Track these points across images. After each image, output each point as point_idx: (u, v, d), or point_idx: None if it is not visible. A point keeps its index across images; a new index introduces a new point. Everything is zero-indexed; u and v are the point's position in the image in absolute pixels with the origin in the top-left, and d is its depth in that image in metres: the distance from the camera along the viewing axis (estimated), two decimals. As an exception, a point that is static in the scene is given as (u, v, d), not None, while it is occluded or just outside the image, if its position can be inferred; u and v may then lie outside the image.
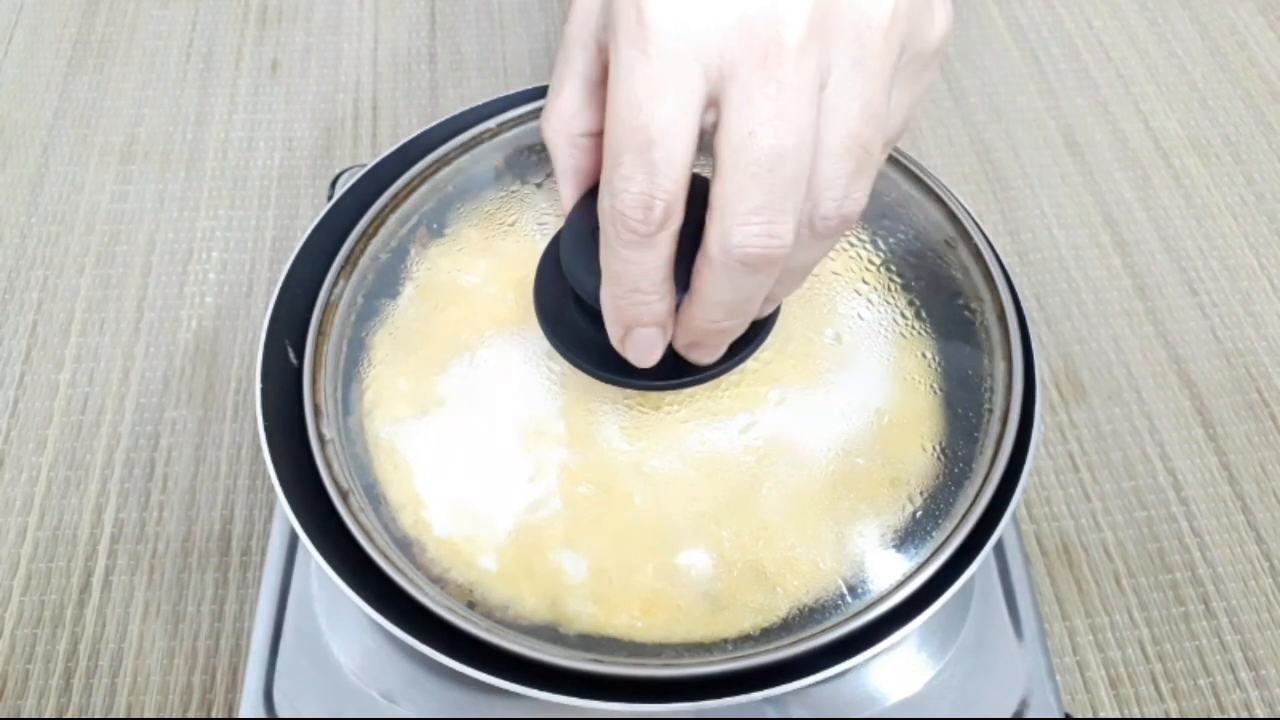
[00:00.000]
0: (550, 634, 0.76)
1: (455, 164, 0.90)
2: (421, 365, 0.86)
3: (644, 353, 0.60)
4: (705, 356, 0.63)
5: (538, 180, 0.96)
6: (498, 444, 0.83)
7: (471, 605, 0.77)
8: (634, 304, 0.55)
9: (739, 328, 0.59)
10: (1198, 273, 1.15)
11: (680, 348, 0.61)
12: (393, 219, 0.88)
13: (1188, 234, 1.18)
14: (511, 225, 0.94)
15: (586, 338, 0.67)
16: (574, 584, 0.77)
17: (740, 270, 0.51)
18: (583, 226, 0.59)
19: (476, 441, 0.83)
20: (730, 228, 0.49)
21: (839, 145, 0.50)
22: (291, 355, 0.82)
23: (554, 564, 0.77)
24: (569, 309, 0.68)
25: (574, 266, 0.60)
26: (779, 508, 0.80)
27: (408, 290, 0.91)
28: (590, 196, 0.60)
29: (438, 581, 0.78)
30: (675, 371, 0.66)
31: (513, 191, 0.95)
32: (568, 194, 0.62)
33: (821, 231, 0.52)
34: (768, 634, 0.76)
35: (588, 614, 0.76)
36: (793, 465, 0.82)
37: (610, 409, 0.84)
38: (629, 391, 0.84)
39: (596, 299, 0.58)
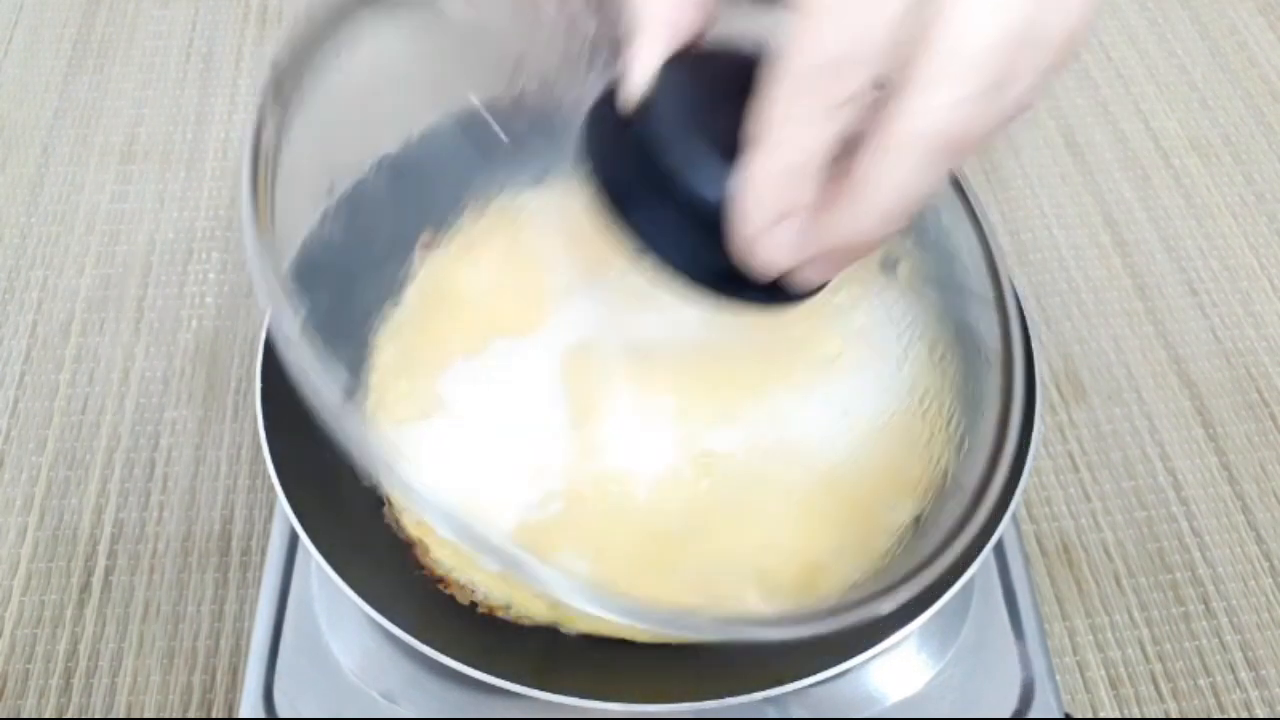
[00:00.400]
0: (551, 634, 0.77)
1: None
2: (424, 367, 0.86)
3: (780, 254, 0.50)
4: (822, 274, 0.53)
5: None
6: (499, 445, 0.83)
7: (473, 605, 0.77)
8: (790, 188, 0.47)
9: (888, 238, 0.50)
10: (1198, 273, 1.15)
11: (801, 259, 0.51)
12: None
13: (1188, 234, 1.18)
14: (513, 224, 0.94)
15: (675, 235, 0.54)
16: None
17: (937, 157, 0.44)
18: (686, 97, 0.51)
19: (478, 442, 0.83)
20: (952, 101, 0.42)
21: (1063, 33, 0.44)
22: None
23: (554, 564, 0.77)
24: (647, 199, 0.54)
25: (680, 151, 0.50)
26: (780, 508, 0.80)
27: (410, 292, 0.91)
28: (684, 60, 0.52)
29: (440, 581, 0.78)
30: (765, 292, 0.55)
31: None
32: (651, 53, 0.52)
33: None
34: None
35: (589, 614, 0.76)
36: (793, 466, 0.82)
37: (612, 410, 0.85)
38: (630, 393, 0.84)
39: (708, 189, 0.49)
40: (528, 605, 0.77)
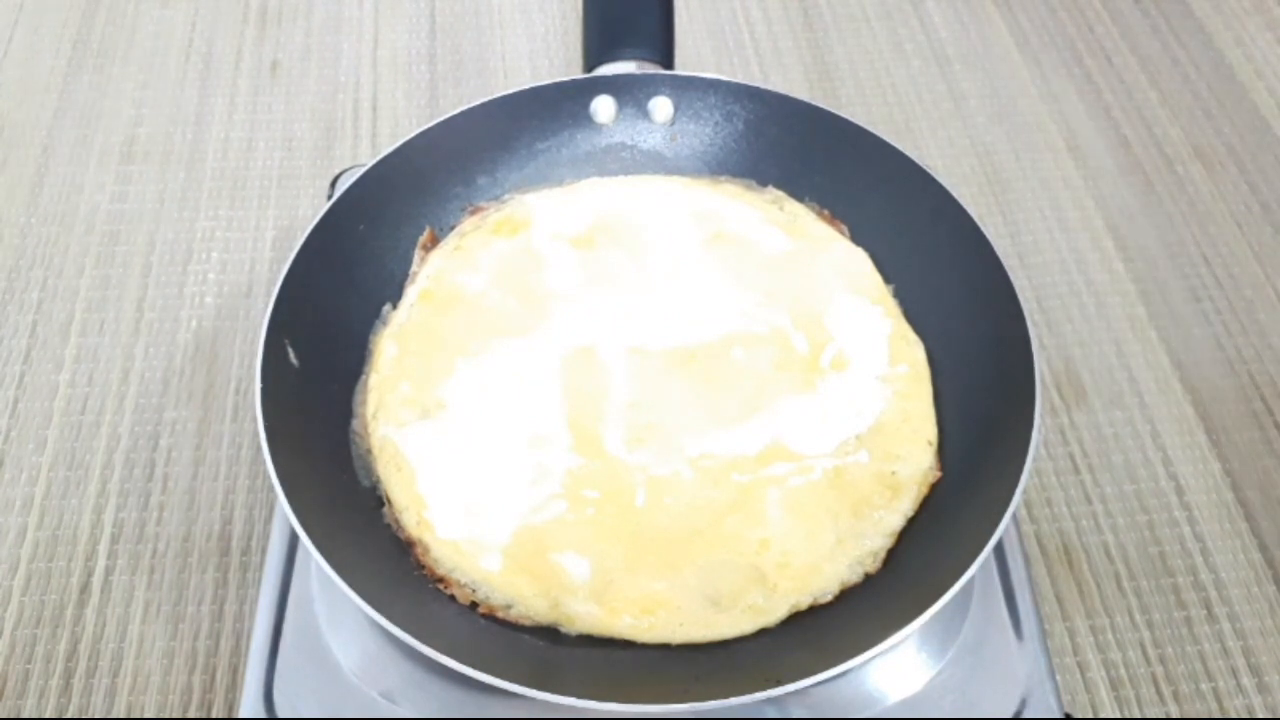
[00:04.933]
0: (552, 634, 0.77)
1: None
2: (424, 368, 0.87)
3: None
4: None
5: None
6: (500, 447, 0.83)
7: (474, 605, 0.77)
8: None
9: None
10: (1201, 280, 1.15)
11: None
12: None
13: (1191, 241, 1.18)
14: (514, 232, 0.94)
15: None
16: (576, 584, 0.77)
17: None
18: None
19: (479, 444, 0.83)
20: None
21: None
22: (292, 355, 0.82)
23: (556, 565, 0.78)
24: None
25: None
26: (778, 510, 0.80)
27: (410, 294, 0.91)
28: None
29: (441, 581, 0.78)
30: None
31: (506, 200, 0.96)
32: None
33: None
34: (767, 634, 0.77)
35: (589, 614, 0.76)
36: (792, 468, 0.82)
37: (612, 412, 0.85)
38: (631, 394, 0.84)
39: None
40: (529, 605, 0.77)
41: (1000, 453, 0.77)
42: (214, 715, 0.87)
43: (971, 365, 0.86)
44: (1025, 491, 0.76)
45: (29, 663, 0.89)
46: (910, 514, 0.82)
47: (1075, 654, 0.91)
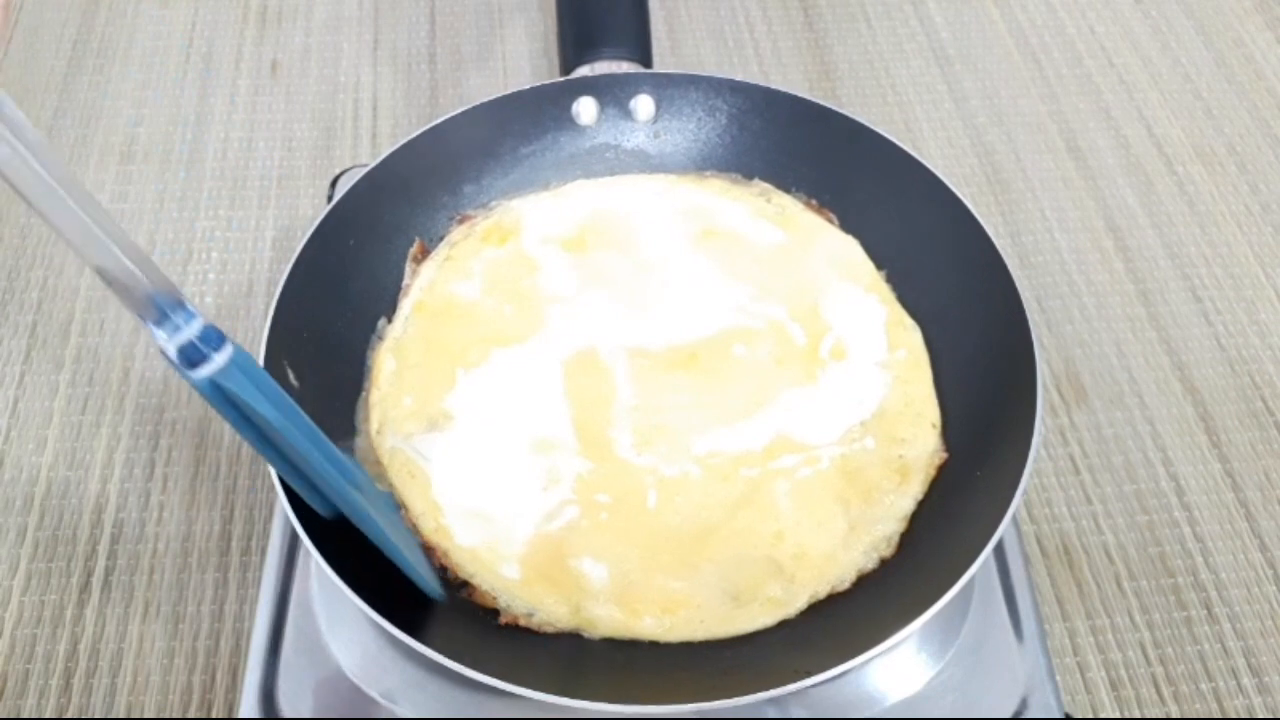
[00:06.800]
0: (574, 639, 0.77)
1: None
2: (425, 381, 0.87)
3: None
4: None
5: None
6: (509, 455, 0.83)
7: (497, 613, 0.77)
8: None
9: None
10: (1201, 280, 1.15)
11: None
12: None
13: (1191, 241, 1.18)
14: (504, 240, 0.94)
15: None
16: (596, 589, 0.77)
17: None
18: None
19: (488, 454, 0.83)
20: None
21: None
22: (292, 377, 0.82)
23: (574, 570, 0.78)
24: None
25: None
26: (789, 502, 0.81)
27: (404, 307, 0.91)
28: None
29: (463, 587, 0.78)
30: None
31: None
32: None
33: None
34: (788, 626, 0.77)
35: (611, 617, 0.76)
36: (800, 459, 0.83)
37: (618, 415, 0.85)
38: (635, 396, 0.84)
39: None
40: (550, 612, 0.77)
41: (1004, 429, 0.78)
42: (214, 715, 0.87)
43: (968, 344, 0.86)
44: (1025, 492, 0.76)
45: (29, 663, 0.89)
46: (920, 497, 0.82)
47: (1075, 654, 0.91)
